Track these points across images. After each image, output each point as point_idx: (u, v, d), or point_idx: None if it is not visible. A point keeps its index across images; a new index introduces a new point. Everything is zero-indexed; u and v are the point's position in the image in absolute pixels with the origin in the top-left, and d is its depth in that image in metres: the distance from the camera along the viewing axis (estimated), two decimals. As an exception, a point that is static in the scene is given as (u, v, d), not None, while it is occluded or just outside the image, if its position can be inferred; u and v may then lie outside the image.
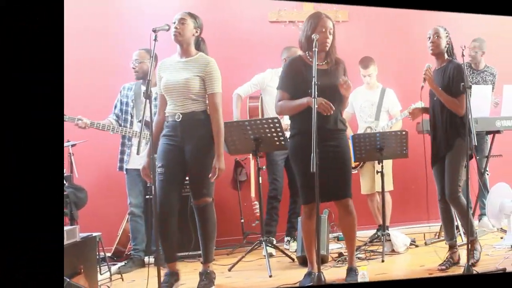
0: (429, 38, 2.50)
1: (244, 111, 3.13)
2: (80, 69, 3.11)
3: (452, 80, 2.41)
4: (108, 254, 2.69)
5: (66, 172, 2.58)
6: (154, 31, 2.06)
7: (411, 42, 3.73)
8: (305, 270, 2.35)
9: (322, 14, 2.27)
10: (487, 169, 3.29)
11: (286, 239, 3.08)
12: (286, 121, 2.76)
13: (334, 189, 2.25)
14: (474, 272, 2.28)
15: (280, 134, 2.57)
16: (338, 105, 2.25)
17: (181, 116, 2.18)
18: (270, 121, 2.54)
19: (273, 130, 2.55)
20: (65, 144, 2.60)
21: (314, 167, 1.94)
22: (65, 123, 2.41)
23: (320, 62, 2.27)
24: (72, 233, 2.11)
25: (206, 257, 2.25)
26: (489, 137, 3.31)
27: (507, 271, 2.37)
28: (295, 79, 2.24)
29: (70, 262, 2.02)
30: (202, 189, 2.19)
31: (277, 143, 2.60)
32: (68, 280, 1.93)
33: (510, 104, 3.12)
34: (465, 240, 2.80)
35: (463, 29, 3.27)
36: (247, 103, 3.20)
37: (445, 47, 2.49)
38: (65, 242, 2.02)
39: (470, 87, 2.34)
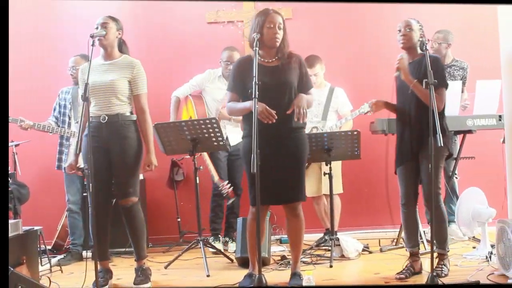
0: (399, 31, 3.40)
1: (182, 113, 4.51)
2: (19, 71, 4.59)
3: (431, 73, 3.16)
4: (49, 247, 4.18)
5: (10, 170, 4.06)
6: (92, 36, 3.22)
7: (362, 37, 5.07)
8: (244, 271, 3.50)
9: (270, 10, 3.25)
10: (456, 172, 4.49)
11: (223, 239, 4.53)
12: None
13: (286, 192, 3.19)
14: (440, 283, 3.11)
15: (218, 134, 3.87)
16: (291, 102, 3.12)
17: (106, 117, 3.35)
18: (207, 121, 3.83)
19: (210, 130, 3.84)
20: (9, 144, 4.02)
21: (255, 168, 2.84)
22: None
23: (270, 59, 3.24)
24: (16, 226, 3.38)
25: (139, 255, 3.49)
26: (458, 138, 4.44)
27: (481, 283, 3.21)
28: (244, 79, 3.14)
29: (14, 253, 3.23)
30: (128, 189, 3.40)
31: (215, 143, 3.91)
32: (12, 269, 3.05)
33: (484, 102, 4.26)
34: (428, 248, 3.81)
35: (427, 23, 4.42)
36: (193, 107, 4.56)
37: (418, 40, 3.37)
38: (10, 234, 3.23)
39: (434, 84, 3.14)
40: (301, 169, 3.28)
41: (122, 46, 3.54)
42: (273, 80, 3.18)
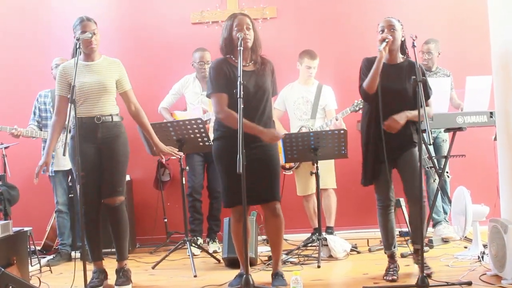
0: (382, 31, 3.62)
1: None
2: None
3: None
4: (38, 248, 4.71)
5: (0, 172, 4.58)
6: (78, 39, 3.60)
7: (348, 34, 5.51)
8: (231, 272, 3.96)
9: (237, 13, 3.66)
10: (448, 170, 4.84)
11: (206, 240, 5.08)
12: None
13: (261, 192, 3.53)
14: (431, 284, 3.36)
15: (203, 134, 4.34)
16: (267, 107, 3.53)
17: (101, 118, 3.75)
18: (193, 122, 4.30)
19: (196, 131, 4.31)
20: (-1, 146, 4.57)
21: (240, 168, 3.10)
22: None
23: (246, 63, 3.56)
24: (6, 227, 3.79)
25: (122, 255, 3.87)
26: (448, 135, 4.83)
27: (473, 284, 3.40)
28: (228, 80, 3.46)
29: (4, 254, 3.66)
30: (118, 187, 3.79)
31: (201, 143, 4.39)
32: (3, 269, 3.38)
33: (474, 98, 4.56)
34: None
35: (413, 18, 4.78)
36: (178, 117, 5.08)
37: (401, 41, 3.64)
38: (0, 235, 3.67)
39: (422, 81, 3.40)
40: (276, 170, 3.66)
41: None
42: (251, 84, 3.54)
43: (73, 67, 3.69)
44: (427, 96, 3.75)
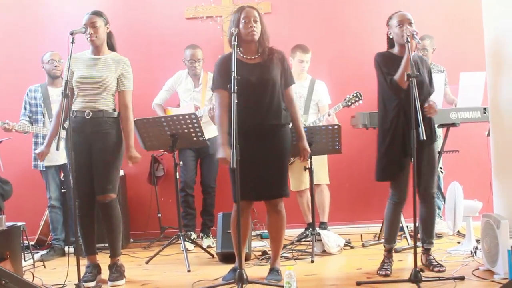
0: (400, 25, 3.60)
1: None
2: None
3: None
4: (32, 243, 4.71)
5: None
6: (72, 33, 3.55)
7: (342, 30, 5.54)
8: (224, 266, 3.99)
9: (244, 6, 3.65)
10: (441, 166, 4.88)
11: (200, 235, 5.10)
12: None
13: (269, 188, 3.55)
14: (424, 279, 3.37)
15: (197, 129, 4.36)
16: (274, 99, 3.50)
17: (91, 113, 3.74)
18: (187, 117, 4.31)
19: (190, 126, 4.32)
20: (-8, 141, 4.58)
21: (234, 163, 3.15)
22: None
23: (252, 56, 3.60)
24: None
25: (115, 252, 3.88)
26: (442, 131, 4.88)
27: (466, 279, 3.45)
28: (229, 75, 3.35)
29: None
30: (107, 185, 3.78)
31: (195, 138, 4.40)
32: None
33: (468, 94, 4.60)
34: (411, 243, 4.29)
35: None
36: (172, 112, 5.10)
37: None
38: None
39: (416, 76, 3.40)
40: (284, 165, 3.66)
41: (110, 38, 3.95)
42: (256, 77, 3.54)
43: (80, 59, 3.80)
44: (433, 88, 3.83)
